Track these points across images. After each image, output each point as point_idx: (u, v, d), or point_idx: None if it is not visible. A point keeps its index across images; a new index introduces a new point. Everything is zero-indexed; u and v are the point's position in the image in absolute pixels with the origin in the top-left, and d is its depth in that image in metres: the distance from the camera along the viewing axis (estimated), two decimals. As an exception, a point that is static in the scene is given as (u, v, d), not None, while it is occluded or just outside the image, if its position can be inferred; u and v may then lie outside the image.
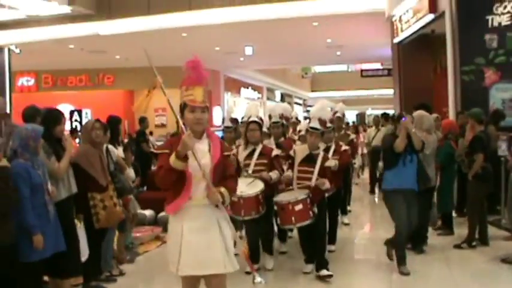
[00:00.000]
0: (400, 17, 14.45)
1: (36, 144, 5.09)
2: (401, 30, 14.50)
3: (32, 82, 25.80)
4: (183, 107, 4.13)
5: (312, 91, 42.21)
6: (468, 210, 8.30)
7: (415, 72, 15.24)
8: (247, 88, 31.28)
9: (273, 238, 7.58)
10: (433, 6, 12.13)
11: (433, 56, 14.95)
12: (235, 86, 29.33)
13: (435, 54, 14.57)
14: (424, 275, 6.84)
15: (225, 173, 4.21)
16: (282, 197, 6.76)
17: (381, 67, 26.05)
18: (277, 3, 15.50)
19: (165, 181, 4.02)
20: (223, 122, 9.41)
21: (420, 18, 12.84)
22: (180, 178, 4.00)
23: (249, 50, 20.34)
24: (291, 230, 8.49)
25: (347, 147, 8.15)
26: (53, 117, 5.75)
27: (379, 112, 18.51)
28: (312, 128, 6.82)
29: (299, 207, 6.42)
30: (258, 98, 32.88)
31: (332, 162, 7.05)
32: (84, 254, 6.01)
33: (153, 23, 16.83)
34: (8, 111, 14.13)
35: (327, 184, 6.63)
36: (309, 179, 6.72)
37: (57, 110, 6.10)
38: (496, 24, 10.90)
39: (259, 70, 29.64)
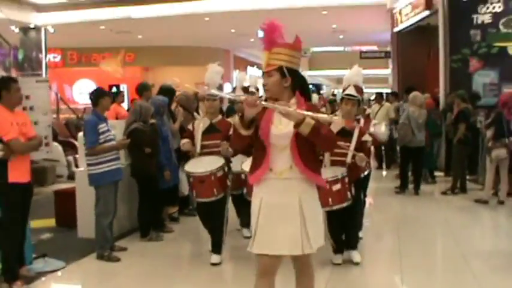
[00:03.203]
0: (400, 10, 16.57)
1: (164, 110, 7.52)
2: (401, 22, 16.65)
3: (58, 58, 27.00)
4: None
5: (310, 69, 43.72)
6: (453, 167, 10.90)
7: (411, 58, 17.01)
8: (253, 66, 33.25)
9: None
10: (429, 3, 14.25)
11: (427, 44, 16.43)
12: (242, 64, 31.28)
13: (429, 43, 16.14)
14: (420, 209, 9.47)
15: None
16: None
17: (377, 49, 27.85)
18: None
19: (234, 142, 4.04)
20: (234, 92, 9.80)
21: (418, 13, 15.01)
22: (262, 148, 3.73)
23: (261, 33, 22.33)
24: None
25: (376, 121, 7.66)
26: (170, 92, 8.14)
27: (372, 91, 20.57)
28: (347, 95, 6.00)
29: (337, 187, 5.66)
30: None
31: (369, 137, 6.09)
32: (185, 191, 8.01)
33: (180, 8, 18.49)
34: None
35: (364, 157, 5.84)
36: (344, 155, 5.86)
37: (171, 86, 8.45)
38: (479, 22, 12.86)
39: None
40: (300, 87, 3.79)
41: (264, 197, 3.72)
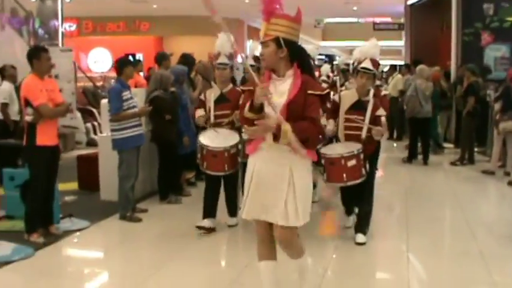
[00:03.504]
0: (415, -18, 16.79)
1: (184, 78, 7.83)
2: (415, -6, 16.90)
3: (73, 27, 26.88)
4: None
5: (323, 40, 43.72)
6: (461, 138, 11.19)
7: (424, 30, 17.28)
8: (267, 36, 33.39)
9: None
10: (442, -23, 14.45)
11: (439, 17, 16.26)
12: (256, 34, 31.28)
13: (442, 16, 15.88)
14: (428, 179, 9.84)
15: (303, 114, 3.70)
16: (330, 150, 5.86)
17: (391, 21, 27.84)
18: None
19: (246, 123, 3.82)
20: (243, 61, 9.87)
21: (432, -15, 15.22)
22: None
23: (261, 4, 22.35)
24: None
25: (386, 92, 7.19)
26: (190, 61, 8.43)
27: (386, 62, 20.69)
28: (363, 68, 5.79)
29: (352, 162, 5.56)
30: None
31: (383, 111, 5.87)
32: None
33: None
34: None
35: (382, 131, 5.73)
36: (359, 129, 5.79)
37: (191, 55, 8.74)
38: (493, -5, 13.05)
39: None
40: (299, 59, 3.80)
41: (256, 165, 3.82)
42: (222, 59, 6.29)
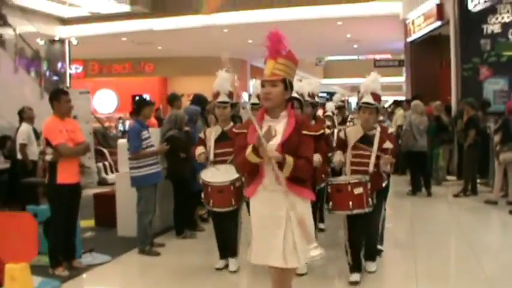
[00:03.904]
0: (413, 20, 17.16)
1: (197, 118, 8.19)
2: (414, 32, 17.24)
3: (80, 69, 27.50)
4: None
5: (325, 77, 44.18)
6: (464, 170, 11.51)
7: (424, 66, 17.69)
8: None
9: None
10: (440, 15, 14.87)
11: (439, 53, 17.04)
12: (259, 73, 31.75)
13: (441, 52, 16.67)
14: (433, 210, 10.15)
15: (296, 153, 3.73)
16: (338, 179, 5.87)
17: (391, 58, 28.25)
18: (309, 6, 17.89)
19: (243, 169, 4.01)
20: (249, 100, 9.67)
21: (430, 23, 15.60)
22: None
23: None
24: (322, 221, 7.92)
25: (393, 130, 7.14)
26: (202, 101, 8.80)
27: (386, 98, 21.00)
28: (365, 103, 5.79)
29: (359, 190, 5.52)
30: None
31: (390, 144, 5.80)
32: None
33: (200, 20, 19.05)
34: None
35: (390, 160, 5.64)
36: (365, 164, 5.74)
37: (204, 96, 9.12)
38: (489, 31, 13.42)
39: None
40: (291, 99, 3.95)
41: (256, 209, 3.87)
42: (222, 98, 6.30)
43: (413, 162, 11.76)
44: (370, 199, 5.62)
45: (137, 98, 8.17)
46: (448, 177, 13.04)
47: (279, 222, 3.72)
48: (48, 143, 6.19)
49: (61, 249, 6.34)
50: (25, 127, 9.55)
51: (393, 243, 7.59)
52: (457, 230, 8.60)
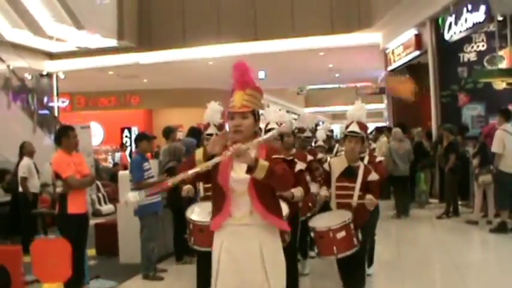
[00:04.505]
0: (393, 50, 17.85)
1: (193, 149, 8.62)
2: (394, 61, 17.89)
3: (66, 103, 27.28)
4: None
5: (306, 106, 44.64)
6: (445, 193, 12.08)
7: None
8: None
9: (297, 272, 6.40)
10: (419, 44, 15.51)
11: (419, 81, 17.43)
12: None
13: (420, 80, 16.90)
14: (418, 231, 10.76)
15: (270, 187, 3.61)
16: (319, 222, 5.59)
17: (372, 85, 28.79)
18: (292, 38, 18.27)
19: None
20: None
21: (409, 53, 16.24)
22: (222, 193, 3.65)
23: (261, 74, 23.20)
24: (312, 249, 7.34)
25: (381, 158, 7.17)
26: (197, 133, 9.25)
27: (369, 125, 21.45)
28: (351, 132, 5.66)
29: (341, 234, 5.32)
30: (261, 114, 35.89)
31: (375, 176, 5.70)
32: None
33: (186, 53, 19.66)
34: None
35: (374, 202, 5.50)
36: (350, 197, 5.57)
37: (199, 128, 9.57)
38: (466, 60, 14.11)
39: (263, 90, 32.33)
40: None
41: (224, 244, 3.62)
42: (212, 130, 6.23)
43: (395, 186, 12.39)
44: (354, 238, 5.39)
45: (138, 133, 8.57)
46: (431, 200, 13.58)
47: (254, 258, 3.54)
48: (57, 176, 6.59)
49: (73, 276, 6.70)
50: (26, 161, 9.90)
51: (381, 263, 7.94)
52: (442, 249, 9.09)
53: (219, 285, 3.61)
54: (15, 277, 6.12)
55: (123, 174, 8.49)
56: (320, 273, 7.34)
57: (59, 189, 6.61)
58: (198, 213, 5.67)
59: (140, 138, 7.91)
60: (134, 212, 7.53)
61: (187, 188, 6.30)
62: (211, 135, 6.03)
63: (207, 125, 6.36)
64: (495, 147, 9.83)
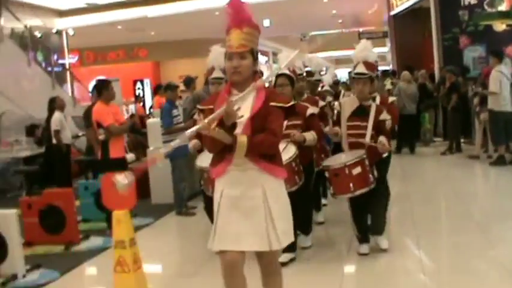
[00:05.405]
0: (396, -6, 18.27)
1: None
2: (397, 5, 18.36)
3: (75, 59, 27.77)
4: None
5: (310, 52, 44.49)
6: (449, 131, 12.85)
7: (408, 38, 18.76)
8: (261, 55, 34.60)
9: (311, 215, 6.28)
10: (421, -12, 15.90)
11: (421, 25, 18.11)
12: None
13: (423, 24, 17.67)
14: (424, 166, 11.66)
15: (264, 127, 3.39)
16: (332, 161, 5.57)
17: (375, 29, 28.92)
18: None
19: (214, 149, 3.51)
20: None
21: (411, -3, 16.68)
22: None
23: (266, 22, 23.39)
24: (325, 196, 7.62)
25: (394, 98, 6.63)
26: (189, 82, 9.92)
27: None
28: (357, 73, 5.52)
29: (357, 170, 5.19)
30: (266, 61, 36.18)
31: (387, 116, 5.56)
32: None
33: (193, 5, 20.05)
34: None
35: (387, 146, 5.36)
36: (362, 136, 5.42)
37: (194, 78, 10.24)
38: (466, 3, 14.72)
39: (267, 37, 32.60)
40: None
41: (224, 190, 3.47)
42: (217, 73, 6.03)
43: (401, 124, 12.92)
44: (370, 175, 5.33)
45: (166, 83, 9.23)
46: (435, 139, 14.44)
47: (256, 204, 3.40)
48: (99, 125, 7.29)
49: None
50: (57, 115, 10.53)
51: (391, 196, 8.29)
52: (446, 181, 9.88)
53: (219, 232, 3.45)
54: (69, 216, 6.91)
55: (153, 122, 9.19)
56: (333, 222, 7.23)
57: (101, 137, 7.27)
58: (206, 160, 5.26)
59: (166, 87, 8.64)
60: (166, 155, 8.22)
61: (193, 143, 6.18)
62: (217, 78, 5.99)
63: (212, 69, 6.14)
64: (493, 87, 10.40)
